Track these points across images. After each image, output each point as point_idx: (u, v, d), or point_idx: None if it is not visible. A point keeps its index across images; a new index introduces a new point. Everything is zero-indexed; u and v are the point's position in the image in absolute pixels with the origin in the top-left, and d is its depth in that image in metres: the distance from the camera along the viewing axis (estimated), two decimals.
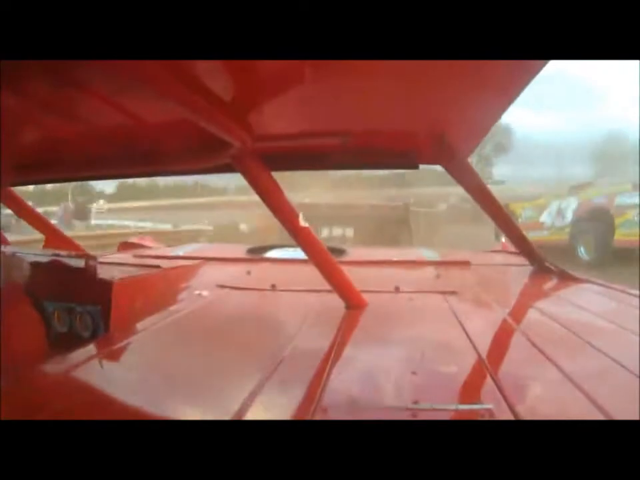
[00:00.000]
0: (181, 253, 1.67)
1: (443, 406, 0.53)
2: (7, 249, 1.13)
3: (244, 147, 0.84)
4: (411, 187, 11.66)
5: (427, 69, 0.63)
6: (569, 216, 6.22)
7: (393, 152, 1.08)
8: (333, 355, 0.70)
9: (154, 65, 0.53)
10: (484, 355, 0.69)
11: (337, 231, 6.52)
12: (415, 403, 0.53)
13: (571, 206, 6.24)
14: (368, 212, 6.89)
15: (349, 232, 6.56)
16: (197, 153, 0.88)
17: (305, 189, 8.49)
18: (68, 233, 1.89)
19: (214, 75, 0.63)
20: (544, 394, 0.58)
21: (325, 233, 6.28)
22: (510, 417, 0.49)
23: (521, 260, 1.44)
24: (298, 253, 1.10)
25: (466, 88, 0.74)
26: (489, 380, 0.60)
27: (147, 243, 2.20)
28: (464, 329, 0.80)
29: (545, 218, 6.67)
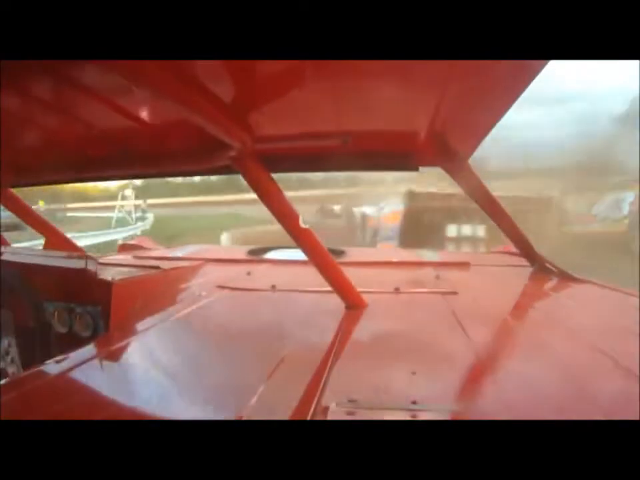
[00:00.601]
0: (180, 254, 1.67)
1: (443, 406, 0.53)
2: (7, 250, 1.13)
3: (244, 148, 0.84)
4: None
5: (428, 69, 0.63)
6: (626, 208, 6.18)
7: (394, 153, 1.08)
8: (332, 356, 0.70)
9: (154, 65, 0.53)
10: (484, 355, 0.69)
11: (466, 230, 5.31)
12: (415, 403, 0.53)
13: (628, 198, 6.21)
14: (508, 206, 5.65)
15: (480, 231, 5.22)
16: (197, 154, 0.88)
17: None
18: None
19: (214, 75, 0.63)
20: (544, 394, 0.58)
21: (451, 231, 5.20)
22: (509, 417, 0.49)
23: (521, 260, 1.44)
24: (298, 254, 1.10)
25: (466, 88, 0.74)
26: (488, 380, 0.60)
27: (146, 244, 2.20)
28: (464, 330, 0.80)
29: (597, 210, 6.62)
